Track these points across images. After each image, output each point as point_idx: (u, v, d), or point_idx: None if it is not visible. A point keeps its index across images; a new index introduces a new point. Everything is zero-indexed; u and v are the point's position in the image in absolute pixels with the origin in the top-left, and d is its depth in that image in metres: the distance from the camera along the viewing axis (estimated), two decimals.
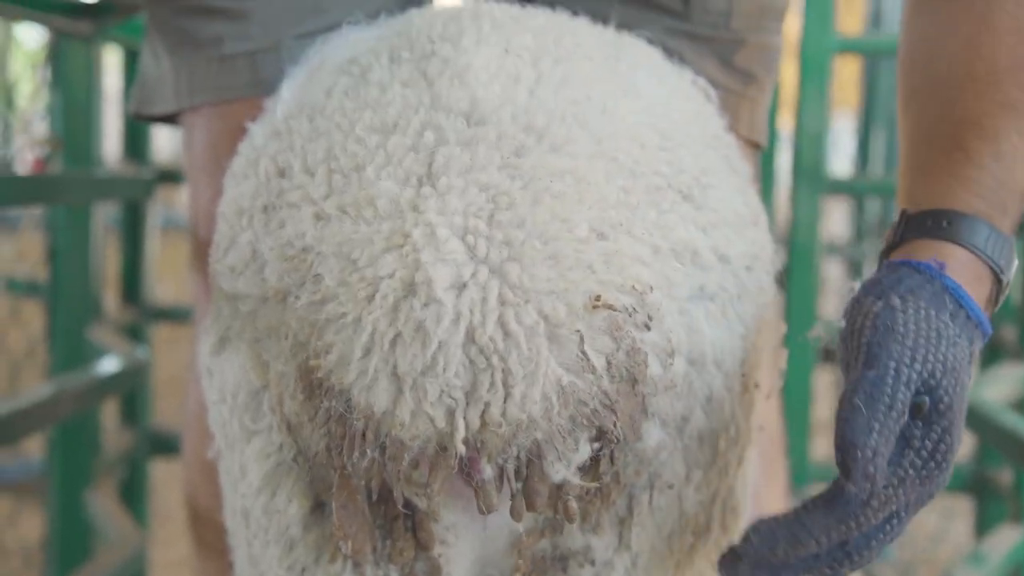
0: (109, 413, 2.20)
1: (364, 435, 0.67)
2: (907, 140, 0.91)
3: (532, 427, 0.66)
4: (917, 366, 0.72)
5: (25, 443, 3.51)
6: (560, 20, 0.85)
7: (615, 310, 0.68)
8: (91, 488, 1.85)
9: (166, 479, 3.09)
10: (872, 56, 2.96)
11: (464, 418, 0.65)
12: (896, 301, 0.75)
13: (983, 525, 2.17)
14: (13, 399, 1.40)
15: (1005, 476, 2.07)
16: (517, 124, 0.72)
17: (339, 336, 0.67)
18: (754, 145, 1.08)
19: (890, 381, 0.71)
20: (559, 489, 0.72)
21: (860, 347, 0.74)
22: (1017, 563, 1.78)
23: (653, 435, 0.74)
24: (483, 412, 0.65)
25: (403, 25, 0.84)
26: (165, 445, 2.24)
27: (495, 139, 0.72)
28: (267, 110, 0.86)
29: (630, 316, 0.69)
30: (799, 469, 2.19)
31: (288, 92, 0.84)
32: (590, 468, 0.71)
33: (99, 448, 1.93)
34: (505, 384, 0.65)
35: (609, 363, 0.68)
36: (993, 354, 2.16)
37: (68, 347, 1.81)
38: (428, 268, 0.65)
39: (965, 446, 2.78)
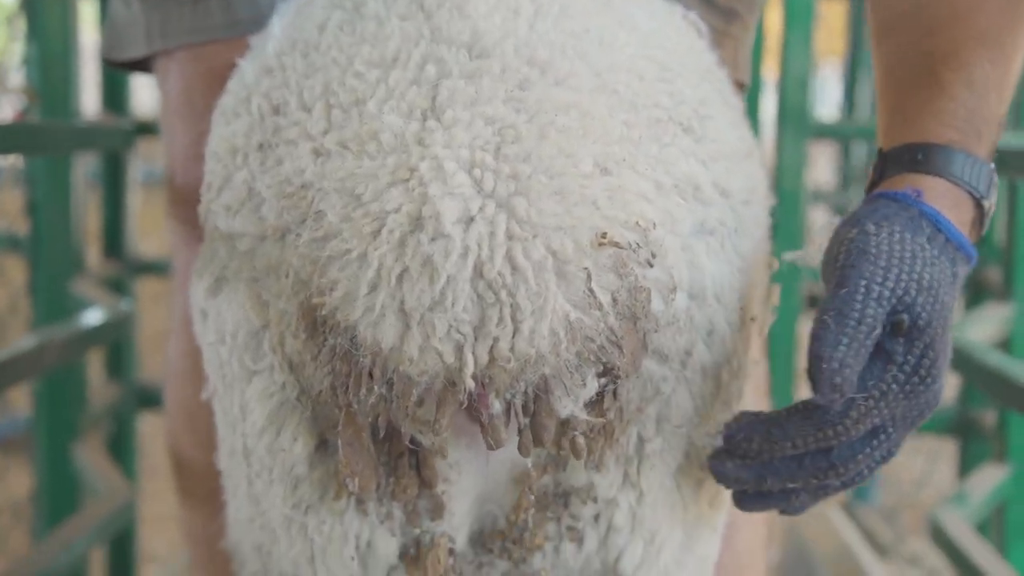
0: (95, 368, 2.19)
1: (371, 372, 0.67)
2: (881, 78, 0.91)
3: (540, 362, 0.65)
4: (890, 283, 0.73)
5: (12, 399, 3.52)
6: None
7: (620, 247, 0.67)
8: (78, 442, 1.86)
9: (154, 433, 3.09)
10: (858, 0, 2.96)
11: (473, 353, 0.64)
12: (871, 227, 0.75)
13: (967, 466, 2.19)
14: None
15: (989, 417, 2.08)
16: (520, 57, 0.71)
17: (344, 273, 0.66)
18: (738, 84, 1.06)
19: (859, 298, 0.72)
20: (565, 425, 0.71)
21: (835, 272, 0.75)
22: (1000, 501, 1.80)
23: (655, 370, 0.74)
24: (492, 347, 0.64)
25: None
26: (152, 399, 2.24)
27: (499, 72, 0.71)
28: (255, 47, 0.84)
29: (634, 253, 0.68)
30: None
31: (278, 28, 0.82)
32: (595, 404, 0.71)
33: (85, 402, 1.94)
34: (514, 319, 0.64)
35: (615, 300, 0.68)
36: (977, 295, 2.17)
37: (51, 301, 1.81)
38: (436, 202, 0.64)
39: (949, 388, 2.80)
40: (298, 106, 0.74)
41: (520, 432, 0.69)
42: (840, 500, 2.89)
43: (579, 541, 0.80)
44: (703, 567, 0.89)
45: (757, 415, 0.77)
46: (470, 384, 0.65)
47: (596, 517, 0.79)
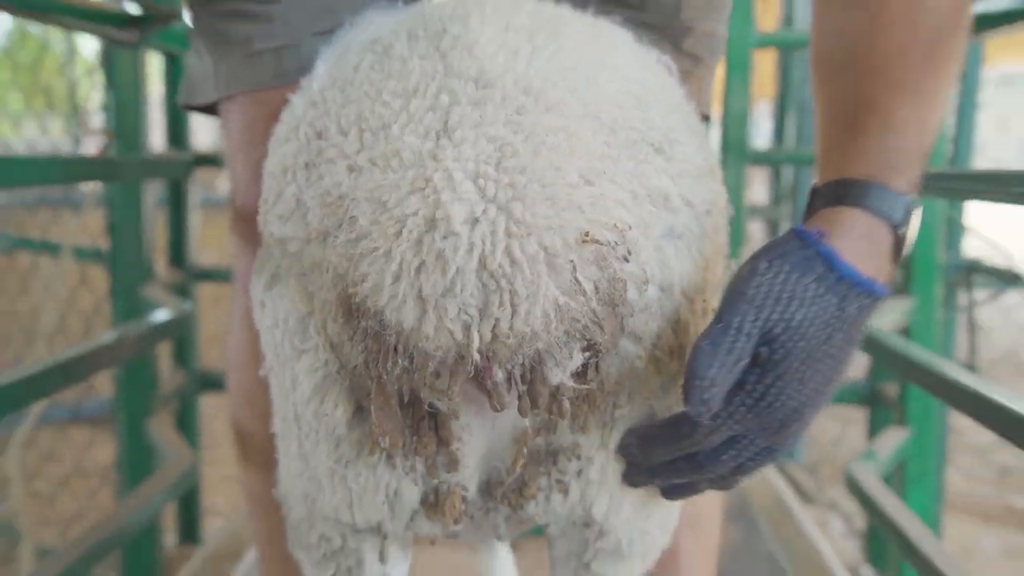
0: (163, 358, 2.19)
1: (396, 348, 0.66)
2: (819, 124, 0.89)
3: (534, 339, 0.65)
4: (759, 323, 0.72)
5: (97, 384, 3.50)
6: (549, 5, 0.84)
7: (601, 244, 0.67)
8: (151, 419, 1.84)
9: (213, 412, 3.08)
10: (785, 50, 2.97)
11: (478, 331, 0.64)
12: (762, 266, 0.74)
13: (874, 429, 2.19)
14: (86, 344, 1.38)
15: (892, 389, 2.08)
16: (518, 88, 0.71)
17: (372, 267, 0.66)
18: (703, 116, 1.06)
19: (732, 333, 0.71)
20: (555, 391, 0.71)
21: (724, 301, 0.74)
22: (902, 458, 1.80)
23: (630, 349, 0.73)
24: (494, 326, 0.64)
25: (417, 11, 0.83)
26: (210, 383, 2.22)
27: (500, 100, 0.70)
28: (303, 86, 0.84)
29: (613, 250, 0.68)
30: None
31: (322, 68, 0.82)
32: (581, 374, 0.71)
33: (156, 386, 1.91)
34: (512, 303, 0.64)
35: (596, 288, 0.67)
36: None
37: (127, 303, 1.80)
38: (447, 206, 0.64)
39: (859, 365, 2.81)
40: (336, 131, 0.73)
41: (519, 397, 0.69)
42: None
43: (565, 492, 0.79)
44: (667, 514, 0.88)
45: (636, 430, 0.78)
46: (476, 357, 0.65)
47: (579, 472, 0.79)
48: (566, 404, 0.70)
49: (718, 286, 0.83)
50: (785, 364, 0.73)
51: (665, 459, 0.76)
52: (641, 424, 0.78)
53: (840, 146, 0.83)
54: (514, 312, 0.64)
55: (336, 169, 0.72)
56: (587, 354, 0.69)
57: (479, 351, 0.65)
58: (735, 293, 0.74)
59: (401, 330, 0.66)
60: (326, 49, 0.85)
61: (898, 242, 0.80)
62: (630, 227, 0.69)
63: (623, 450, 0.78)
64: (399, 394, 0.71)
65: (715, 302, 0.81)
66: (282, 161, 0.78)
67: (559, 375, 0.68)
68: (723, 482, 0.79)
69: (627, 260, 0.69)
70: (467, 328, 0.64)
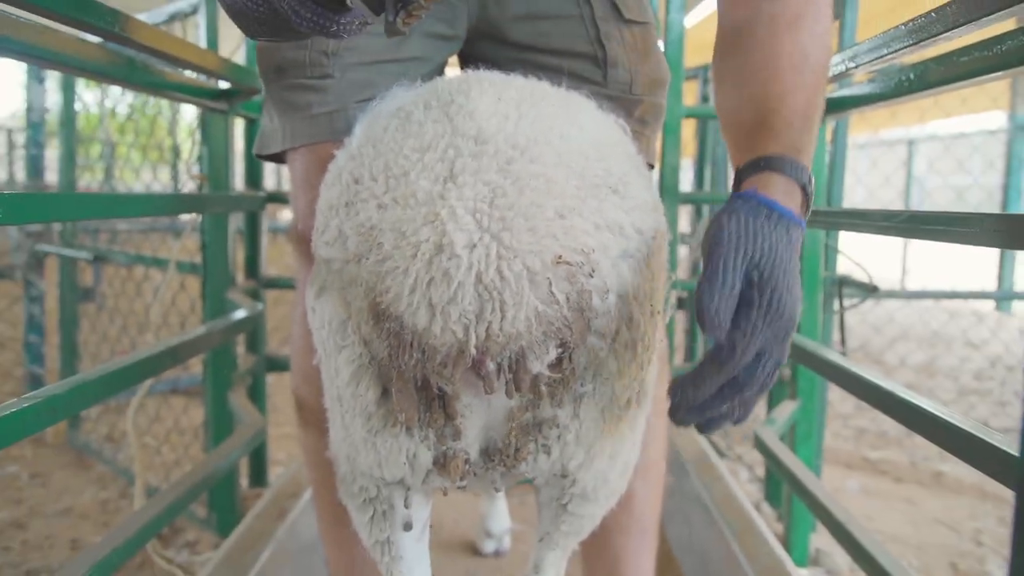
0: (240, 345, 2.17)
1: (412, 344, 0.66)
2: (730, 127, 0.88)
3: (519, 338, 0.65)
4: (741, 256, 0.71)
5: (191, 365, 3.47)
6: (531, 81, 0.82)
7: (571, 265, 0.66)
8: (231, 391, 1.82)
9: (276, 386, 3.05)
10: (703, 120, 2.97)
11: (475, 331, 0.64)
12: (724, 220, 0.73)
13: (772, 403, 2.17)
14: (183, 335, 1.36)
15: (785, 372, 2.07)
16: (507, 144, 0.70)
17: (394, 281, 0.65)
18: (648, 165, 1.05)
19: (721, 270, 0.70)
20: (535, 378, 0.71)
21: (705, 254, 0.73)
22: (793, 422, 1.80)
23: (595, 343, 0.72)
24: (488, 327, 0.64)
25: (431, 86, 0.81)
26: (275, 364, 2.20)
27: (493, 153, 0.69)
28: (346, 143, 0.82)
29: (580, 268, 0.67)
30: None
31: (359, 130, 0.81)
32: (556, 364, 0.70)
33: (235, 366, 1.89)
34: (502, 310, 0.64)
35: (568, 299, 0.66)
36: None
37: (214, 304, 1.78)
38: (451, 234, 0.64)
39: None
40: (369, 177, 0.72)
41: (506, 383, 0.68)
42: None
43: (548, 453, 0.78)
44: (627, 466, 0.86)
45: (686, 377, 0.73)
46: (473, 351, 0.64)
47: (558, 437, 0.77)
48: (543, 388, 0.70)
49: (662, 293, 0.82)
50: (774, 278, 0.71)
51: (715, 388, 0.72)
52: (687, 373, 0.74)
53: (755, 138, 0.82)
54: (503, 317, 0.64)
55: (368, 207, 0.70)
56: (560, 350, 0.68)
57: (476, 347, 0.64)
58: (713, 245, 0.72)
59: (416, 330, 0.65)
60: (362, 115, 0.84)
61: (806, 198, 0.80)
62: (593, 250, 0.69)
63: (677, 395, 0.73)
64: (414, 380, 0.70)
65: (660, 305, 0.80)
66: (328, 200, 0.77)
67: (538, 366, 0.67)
68: (746, 407, 0.74)
69: (591, 276, 0.68)
70: (466, 329, 0.64)
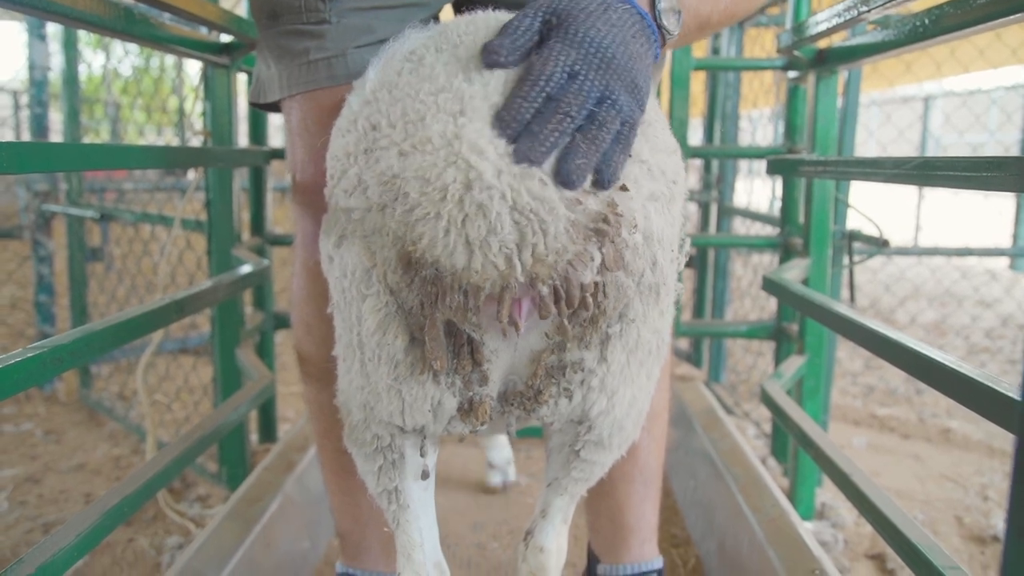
0: (247, 301, 2.19)
1: (452, 287, 0.65)
2: None
3: (564, 252, 0.64)
4: (539, 7, 0.73)
5: (199, 322, 3.49)
6: None
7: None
8: (239, 348, 1.83)
9: (284, 345, 3.07)
10: (713, 72, 2.92)
11: (519, 259, 0.63)
12: None
13: (779, 358, 2.17)
14: (190, 289, 1.36)
15: (793, 328, 2.06)
16: (517, 71, 0.71)
17: (426, 228, 0.64)
18: None
19: (517, 18, 0.73)
20: (573, 316, 0.70)
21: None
22: (800, 377, 1.80)
23: (623, 281, 0.71)
24: (533, 250, 0.63)
25: (441, 28, 0.80)
26: (283, 322, 2.20)
27: (502, 83, 0.70)
28: (357, 87, 0.81)
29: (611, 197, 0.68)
30: (674, 326, 2.21)
31: (373, 73, 0.79)
32: (595, 294, 0.69)
33: (243, 323, 1.90)
34: (543, 230, 0.63)
35: (597, 198, 0.67)
36: (788, 254, 2.14)
37: (220, 260, 1.78)
38: (477, 167, 0.63)
39: (769, 310, 2.80)
40: (387, 124, 0.71)
41: (557, 302, 0.66)
42: (702, 379, 2.89)
43: (570, 397, 0.78)
44: (641, 414, 0.87)
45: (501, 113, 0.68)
46: (520, 280, 0.63)
47: (582, 381, 0.77)
48: (590, 299, 0.68)
49: (680, 239, 0.81)
50: (571, 18, 0.72)
51: (532, 102, 0.67)
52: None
53: None
54: (544, 234, 0.63)
55: (389, 155, 0.69)
56: (600, 261, 0.67)
57: (523, 274, 0.63)
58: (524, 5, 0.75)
59: (456, 271, 0.64)
60: (375, 59, 0.82)
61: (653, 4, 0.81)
62: (625, 186, 0.69)
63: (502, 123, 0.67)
64: (445, 328, 0.71)
65: (678, 252, 0.80)
66: (344, 147, 0.76)
67: (587, 274, 0.66)
68: (592, 144, 0.67)
69: (620, 206, 0.68)
70: (508, 259, 0.63)
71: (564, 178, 0.64)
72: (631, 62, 0.72)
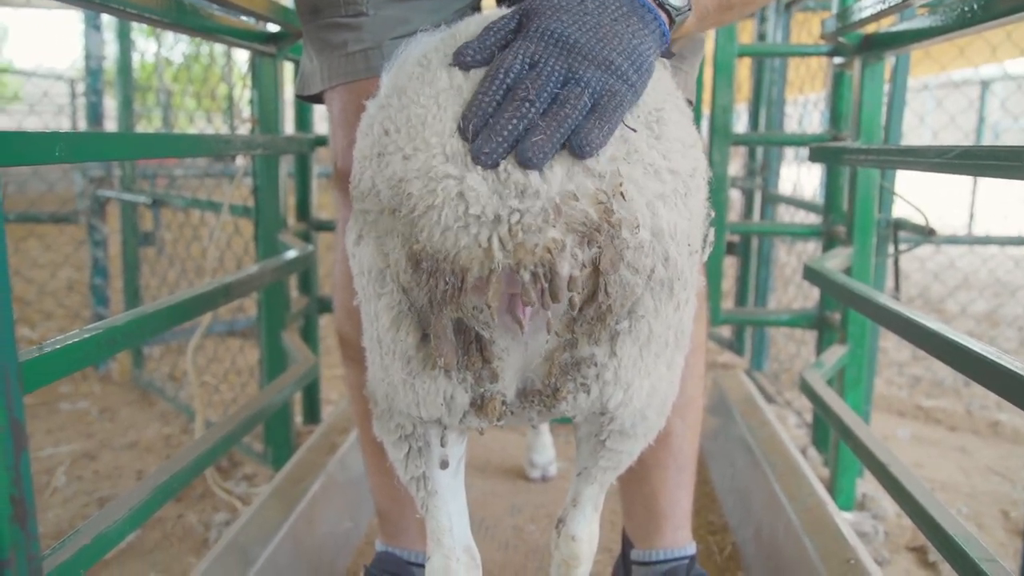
0: (292, 287, 2.23)
1: (443, 271, 0.67)
2: None
3: (539, 233, 0.64)
4: (517, 12, 0.74)
5: (246, 306, 3.57)
6: None
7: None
8: (285, 331, 1.87)
9: (328, 328, 3.12)
10: (758, 58, 2.87)
11: (497, 235, 0.64)
12: None
13: (821, 347, 2.14)
14: (238, 273, 1.40)
15: (836, 317, 2.03)
16: None
17: (428, 222, 0.66)
18: (688, 101, 1.03)
19: (490, 22, 0.75)
20: (573, 321, 0.72)
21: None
22: (842, 367, 1.78)
23: (630, 278, 0.71)
24: (508, 228, 0.64)
25: (450, 32, 0.81)
26: (327, 307, 2.23)
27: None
28: (377, 89, 0.82)
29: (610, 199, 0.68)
30: (714, 314, 2.20)
31: (387, 78, 0.81)
32: (593, 295, 0.69)
33: (289, 306, 1.94)
34: (520, 210, 0.65)
35: (581, 191, 0.67)
36: (831, 242, 2.11)
37: (267, 245, 1.81)
38: (467, 174, 0.65)
39: (812, 299, 2.76)
40: (394, 129, 0.73)
41: (541, 294, 0.66)
42: (744, 367, 2.86)
43: (587, 391, 0.78)
44: (665, 403, 0.87)
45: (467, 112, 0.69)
46: (500, 257, 0.64)
47: (597, 376, 0.78)
48: (575, 299, 0.69)
49: (701, 232, 0.81)
50: (536, 15, 0.73)
51: (493, 96, 0.68)
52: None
53: None
54: (522, 216, 0.64)
55: (396, 159, 0.71)
56: (591, 251, 0.67)
57: (505, 256, 0.64)
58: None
59: (446, 255, 0.66)
60: (388, 63, 0.83)
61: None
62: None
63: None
64: (454, 325, 0.72)
65: (698, 244, 0.80)
66: (362, 150, 0.78)
67: (565, 267, 0.66)
68: (557, 123, 0.66)
69: (615, 208, 0.68)
70: (489, 238, 0.64)
71: (520, 156, 0.64)
72: (602, 43, 0.71)
